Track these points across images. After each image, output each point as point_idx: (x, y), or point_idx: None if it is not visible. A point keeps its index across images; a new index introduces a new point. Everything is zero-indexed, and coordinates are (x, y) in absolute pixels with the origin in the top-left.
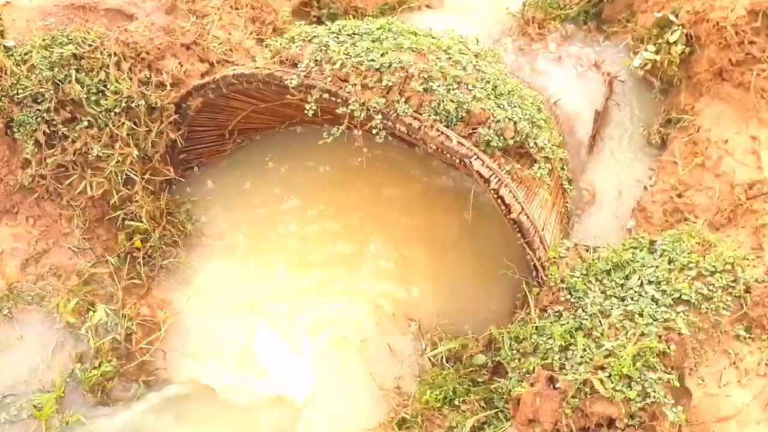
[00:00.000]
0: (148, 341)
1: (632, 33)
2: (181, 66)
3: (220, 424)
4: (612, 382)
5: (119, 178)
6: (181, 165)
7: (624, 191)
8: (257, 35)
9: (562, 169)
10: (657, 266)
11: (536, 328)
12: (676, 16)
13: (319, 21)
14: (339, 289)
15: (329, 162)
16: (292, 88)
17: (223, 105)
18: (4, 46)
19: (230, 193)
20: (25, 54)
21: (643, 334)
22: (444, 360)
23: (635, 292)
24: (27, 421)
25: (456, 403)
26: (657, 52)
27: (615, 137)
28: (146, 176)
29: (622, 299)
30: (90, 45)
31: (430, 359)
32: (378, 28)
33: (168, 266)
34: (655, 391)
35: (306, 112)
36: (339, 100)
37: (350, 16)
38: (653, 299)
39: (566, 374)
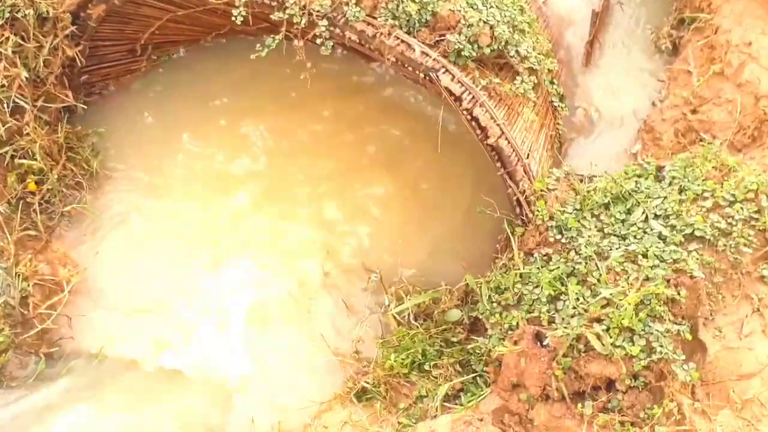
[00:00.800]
0: (49, 305)
1: None
2: None
3: (139, 406)
4: (611, 337)
5: (5, 106)
6: (84, 88)
7: (627, 108)
8: None
9: (551, 83)
10: (665, 197)
11: (520, 275)
12: None
13: None
14: (279, 237)
15: (265, 81)
16: None
17: (132, 13)
18: None
19: (145, 122)
20: None
21: (647, 279)
22: (411, 318)
23: (639, 228)
24: None
25: (426, 367)
26: None
27: (617, 43)
28: (39, 103)
29: (623, 238)
30: None
31: (394, 317)
32: None
33: (70, 213)
34: (662, 346)
35: (234, 19)
36: (274, 3)
37: None
38: (660, 237)
39: (556, 329)
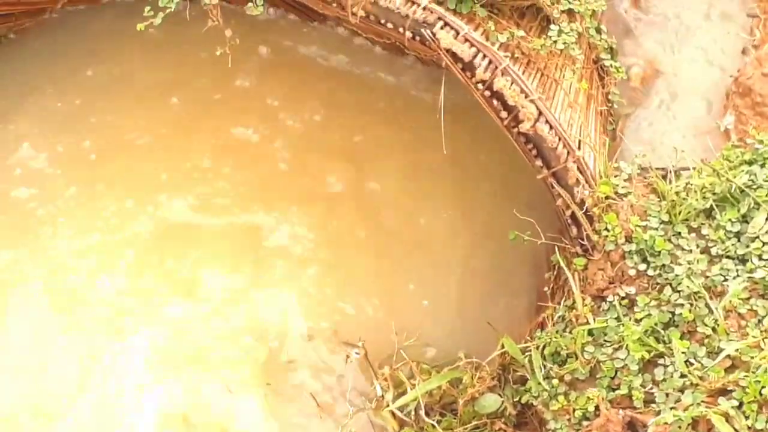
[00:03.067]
0: None
1: None
2: None
3: None
4: (747, 417)
5: None
6: None
7: (705, 63)
8: None
9: (598, 31)
10: None
11: (590, 332)
12: None
13: None
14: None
15: (164, 55)
16: None
17: None
18: None
19: None
20: None
21: None
22: (422, 413)
23: (765, 243)
24: None
25: None
26: None
27: None
28: None
29: (743, 261)
30: None
31: (394, 414)
32: None
33: None
34: None
35: None
36: None
37: None
38: None
39: (659, 412)
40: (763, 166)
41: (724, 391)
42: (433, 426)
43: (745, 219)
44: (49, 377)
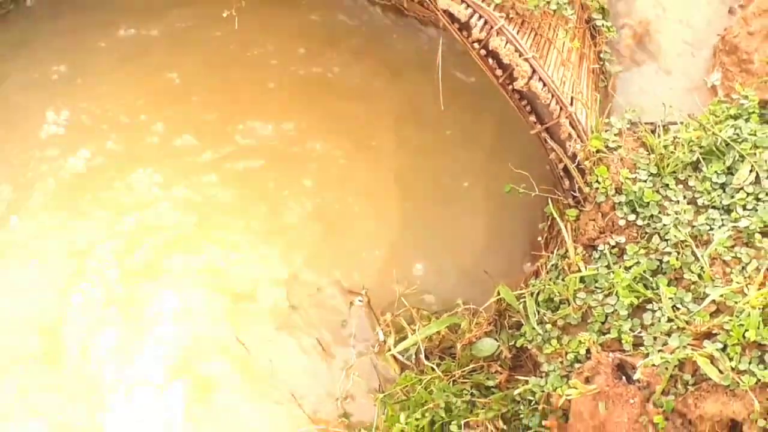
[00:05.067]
0: None
1: None
2: None
3: None
4: (731, 359)
5: None
6: None
7: (694, 20)
8: None
9: None
10: None
11: (582, 280)
12: None
13: None
14: (213, 258)
15: (162, 20)
16: None
17: None
18: None
19: None
20: None
21: None
22: (422, 356)
23: (749, 194)
24: None
25: (454, 428)
26: None
27: None
28: None
29: (728, 210)
30: None
31: (395, 359)
32: None
33: None
34: None
35: None
36: None
37: None
38: None
39: (647, 354)
40: (747, 120)
41: (709, 335)
42: (433, 369)
43: (730, 171)
44: None
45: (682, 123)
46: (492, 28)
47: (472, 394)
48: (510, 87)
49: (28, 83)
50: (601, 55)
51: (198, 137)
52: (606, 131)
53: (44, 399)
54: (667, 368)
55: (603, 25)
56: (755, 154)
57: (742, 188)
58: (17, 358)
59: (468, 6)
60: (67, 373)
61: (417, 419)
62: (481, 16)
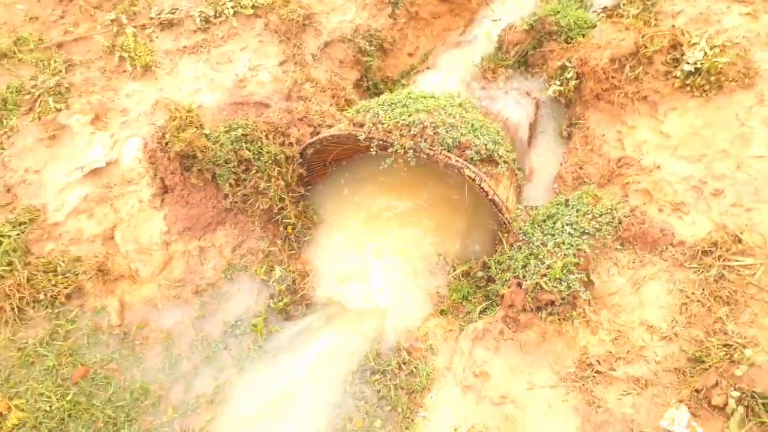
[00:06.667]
0: (303, 283)
1: (546, 73)
2: (299, 131)
3: (344, 324)
4: (551, 282)
5: (276, 197)
6: (306, 185)
7: (549, 168)
8: (336, 105)
9: (513, 162)
10: (570, 214)
11: (509, 256)
12: (570, 63)
13: (368, 88)
14: (404, 244)
15: (387, 176)
16: (362, 139)
17: (324, 149)
18: (204, 134)
19: (334, 196)
20: (216, 136)
21: (565, 255)
22: (460, 275)
23: (559, 230)
24: (249, 334)
25: (470, 299)
26: (561, 85)
27: (542, 135)
28: (290, 194)
29: (553, 235)
30: (250, 127)
31: (452, 276)
32: (405, 97)
33: (307, 241)
34: (574, 284)
35: (371, 151)
36: (388, 144)
37: (384, 81)
38: (570, 233)
39: (527, 280)
40: (561, 205)
41: (545, 275)
42: (463, 280)
43: (554, 222)
44: None
45: (540, 206)
46: (482, 179)
47: (475, 289)
48: (487, 197)
49: None
50: (518, 182)
51: None
52: (517, 210)
53: None
54: (532, 284)
55: (517, 173)
56: (562, 217)
57: (558, 228)
58: None
59: (474, 173)
60: None
61: (458, 295)
62: (478, 176)
